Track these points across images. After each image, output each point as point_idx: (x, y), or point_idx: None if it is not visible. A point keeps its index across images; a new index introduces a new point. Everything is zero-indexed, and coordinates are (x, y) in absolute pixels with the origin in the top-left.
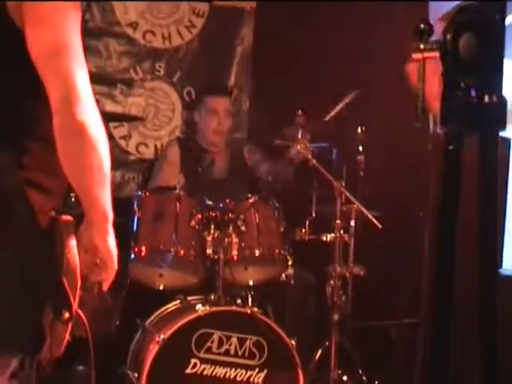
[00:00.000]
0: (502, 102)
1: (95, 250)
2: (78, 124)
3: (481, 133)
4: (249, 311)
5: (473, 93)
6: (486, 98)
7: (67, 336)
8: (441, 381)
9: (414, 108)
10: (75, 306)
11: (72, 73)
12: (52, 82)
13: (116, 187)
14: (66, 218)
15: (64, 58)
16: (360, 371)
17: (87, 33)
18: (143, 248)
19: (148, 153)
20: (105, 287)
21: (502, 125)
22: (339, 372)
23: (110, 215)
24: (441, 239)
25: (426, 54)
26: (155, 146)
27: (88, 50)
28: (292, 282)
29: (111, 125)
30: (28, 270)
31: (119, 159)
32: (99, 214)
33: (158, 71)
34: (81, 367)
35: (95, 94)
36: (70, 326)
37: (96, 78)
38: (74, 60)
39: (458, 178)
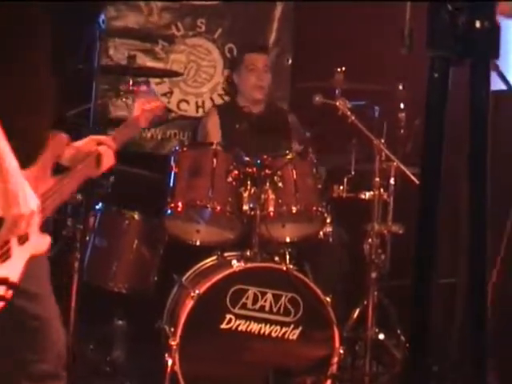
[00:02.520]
0: (495, 27)
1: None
2: None
3: (471, 61)
4: (284, 268)
5: (462, 17)
6: (477, 23)
7: None
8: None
9: (401, 33)
10: None
11: None
12: None
13: (157, 144)
14: None
15: None
16: (398, 330)
17: None
18: (180, 204)
19: (189, 110)
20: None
21: (495, 52)
22: (376, 330)
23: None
24: (423, 179)
25: None
26: (196, 103)
27: (129, 7)
28: (330, 239)
29: (152, 81)
30: None
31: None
32: None
33: (200, 27)
34: (120, 322)
35: (137, 50)
36: None
37: (137, 35)
38: None
39: (442, 110)
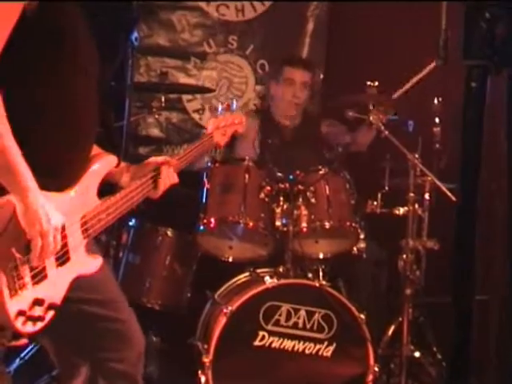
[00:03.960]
0: None
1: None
2: None
3: (509, 70)
4: (318, 284)
5: (500, 25)
6: None
7: None
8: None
9: (436, 45)
10: None
11: None
12: None
13: None
14: None
15: None
16: (433, 348)
17: (161, 7)
18: (212, 219)
19: None
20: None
21: None
22: (412, 348)
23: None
24: (462, 187)
25: None
26: None
27: (161, 24)
28: (364, 255)
29: (185, 98)
30: None
31: (193, 133)
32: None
33: (231, 44)
34: (154, 338)
35: (169, 67)
36: None
37: (169, 52)
38: None
39: (480, 119)
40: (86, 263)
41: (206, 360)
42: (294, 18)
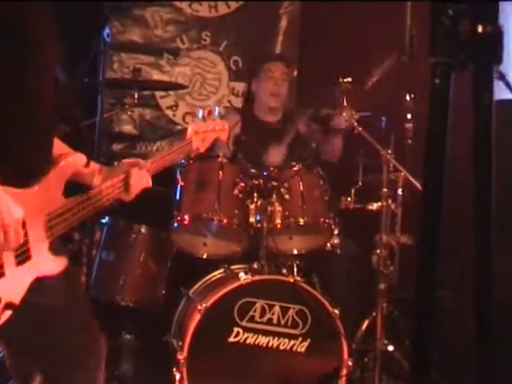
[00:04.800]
0: (498, 32)
1: None
2: None
3: (474, 67)
4: (292, 280)
5: (464, 21)
6: (480, 28)
7: None
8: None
9: (402, 40)
10: None
11: None
12: None
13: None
14: None
15: None
16: (407, 342)
17: (133, 3)
18: (186, 217)
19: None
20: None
21: (498, 59)
22: (385, 342)
23: None
24: (425, 188)
25: None
26: None
27: (134, 20)
28: (338, 251)
29: (158, 95)
30: None
31: (166, 129)
32: None
33: (205, 40)
34: (127, 336)
35: (142, 63)
36: None
37: (142, 48)
38: None
39: (445, 117)
40: (50, 263)
41: (181, 357)
42: (267, 15)
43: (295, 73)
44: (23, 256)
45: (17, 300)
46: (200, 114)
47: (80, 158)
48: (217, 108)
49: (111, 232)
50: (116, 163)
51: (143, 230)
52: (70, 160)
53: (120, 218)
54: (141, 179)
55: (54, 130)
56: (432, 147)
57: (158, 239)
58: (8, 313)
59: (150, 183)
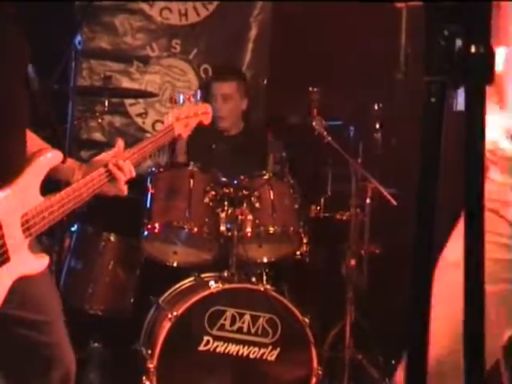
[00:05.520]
0: (490, 52)
1: None
2: None
3: (466, 85)
4: (262, 289)
5: (458, 42)
6: (473, 48)
7: None
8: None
9: (397, 59)
10: None
11: None
12: None
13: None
14: None
15: None
16: (375, 350)
17: (103, 9)
18: (156, 225)
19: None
20: None
21: (490, 78)
22: (354, 350)
23: None
24: (419, 201)
25: (410, 3)
26: None
27: (104, 27)
28: (307, 259)
29: (127, 102)
30: None
31: (136, 137)
32: None
33: (175, 48)
34: (96, 344)
35: (112, 70)
36: None
37: (112, 55)
38: None
39: (439, 135)
40: (30, 263)
41: (151, 365)
42: (237, 23)
43: (265, 81)
44: (1, 258)
45: None
46: (181, 98)
47: (56, 155)
48: (199, 91)
49: (80, 239)
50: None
51: (112, 237)
52: (46, 157)
53: (89, 225)
54: (127, 168)
55: (25, 130)
56: (426, 163)
57: (128, 247)
58: None
59: (133, 173)
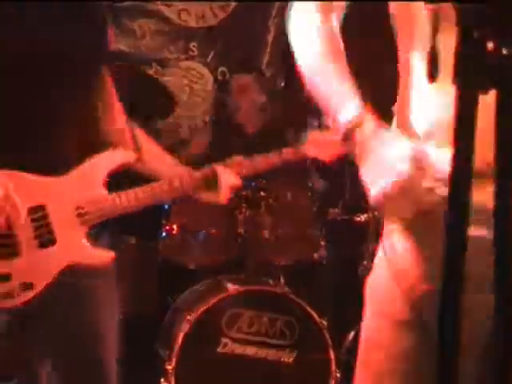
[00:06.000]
0: None
1: None
2: None
3: (498, 90)
4: (279, 291)
5: (489, 45)
6: (504, 51)
7: None
8: None
9: (429, 62)
10: None
11: None
12: None
13: None
14: None
15: None
16: None
17: (121, 12)
18: (175, 226)
19: (182, 133)
20: None
21: None
22: None
23: None
24: (452, 212)
25: (438, 4)
26: (189, 126)
27: (121, 31)
28: (324, 262)
29: None
30: None
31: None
32: None
33: (192, 51)
34: None
35: None
36: None
37: (130, 58)
38: None
39: (472, 140)
40: (85, 252)
41: (169, 367)
42: (254, 26)
43: (282, 83)
44: (44, 238)
45: (39, 282)
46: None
47: (127, 155)
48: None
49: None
50: None
51: (130, 240)
52: (113, 154)
53: (108, 228)
54: (231, 179)
55: (87, 121)
56: (459, 170)
57: (146, 249)
58: (28, 294)
59: (239, 183)
